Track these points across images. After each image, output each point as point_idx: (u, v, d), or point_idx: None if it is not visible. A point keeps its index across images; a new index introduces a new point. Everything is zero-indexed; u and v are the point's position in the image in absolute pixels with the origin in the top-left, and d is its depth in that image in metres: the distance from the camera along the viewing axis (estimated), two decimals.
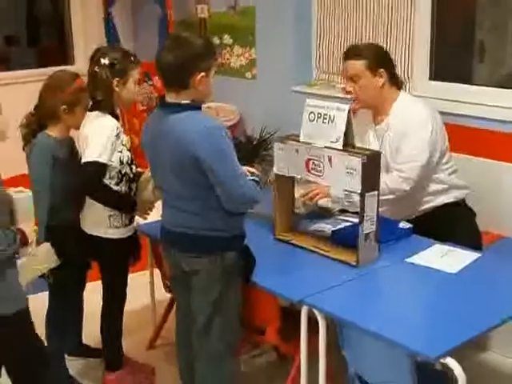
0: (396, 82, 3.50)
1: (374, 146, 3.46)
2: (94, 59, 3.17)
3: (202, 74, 2.67)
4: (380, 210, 3.14)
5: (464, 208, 3.56)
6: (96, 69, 3.14)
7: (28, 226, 2.71)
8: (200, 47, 2.68)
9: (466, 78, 4.32)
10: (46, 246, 3.07)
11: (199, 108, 2.73)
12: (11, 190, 2.74)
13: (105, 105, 3.15)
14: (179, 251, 2.83)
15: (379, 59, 3.44)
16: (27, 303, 2.72)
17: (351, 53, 3.47)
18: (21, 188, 2.79)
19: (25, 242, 2.66)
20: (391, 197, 3.30)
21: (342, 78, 3.68)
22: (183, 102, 2.69)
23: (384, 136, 3.46)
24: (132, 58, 3.20)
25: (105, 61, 3.12)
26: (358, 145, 3.08)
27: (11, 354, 2.73)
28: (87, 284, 3.54)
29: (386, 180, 3.27)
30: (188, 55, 2.65)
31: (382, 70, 3.41)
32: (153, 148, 2.81)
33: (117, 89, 3.15)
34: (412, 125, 3.35)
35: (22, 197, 2.74)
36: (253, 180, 2.83)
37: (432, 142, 3.35)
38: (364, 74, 3.39)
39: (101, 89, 3.14)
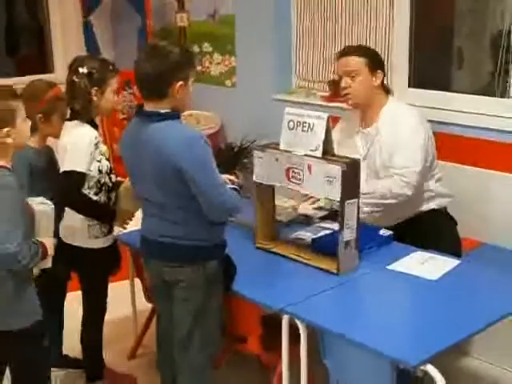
0: (386, 89, 3.55)
1: (360, 150, 3.49)
2: (72, 68, 3.15)
3: (181, 83, 2.66)
4: (375, 214, 3.25)
5: (446, 216, 3.58)
6: (74, 78, 3.12)
7: (49, 239, 2.69)
8: (178, 56, 2.66)
9: (444, 85, 4.34)
10: None
11: (178, 117, 2.72)
12: (33, 201, 2.71)
13: (83, 114, 3.14)
14: (160, 261, 2.81)
15: (378, 60, 3.52)
16: (42, 316, 2.72)
17: (351, 50, 3.55)
18: (41, 199, 2.76)
19: (45, 256, 2.64)
20: (393, 201, 3.34)
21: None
22: (162, 111, 2.67)
23: (374, 141, 3.47)
24: (110, 67, 3.19)
25: (83, 70, 3.11)
26: (343, 149, 3.11)
27: (21, 365, 2.72)
28: (67, 294, 3.51)
29: (388, 185, 3.32)
30: (166, 65, 2.63)
31: (379, 71, 3.47)
32: (132, 157, 2.79)
33: (95, 98, 3.14)
34: (405, 130, 3.37)
35: (44, 209, 2.71)
36: (233, 189, 2.83)
37: (426, 148, 3.38)
38: (363, 70, 3.44)
39: (79, 98, 3.12)
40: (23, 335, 2.63)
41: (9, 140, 2.55)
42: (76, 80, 3.12)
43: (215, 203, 2.67)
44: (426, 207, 3.52)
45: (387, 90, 3.56)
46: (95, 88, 3.12)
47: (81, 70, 3.11)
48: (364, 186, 3.26)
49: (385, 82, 3.58)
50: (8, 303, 2.61)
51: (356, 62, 3.45)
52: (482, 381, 3.48)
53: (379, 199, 3.30)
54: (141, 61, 2.67)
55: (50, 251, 2.67)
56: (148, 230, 2.85)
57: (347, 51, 3.54)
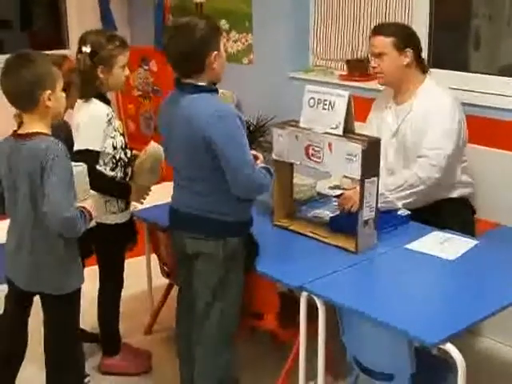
0: (422, 66, 3.49)
1: (391, 125, 3.49)
2: (79, 46, 3.13)
3: (215, 52, 2.68)
4: (405, 201, 3.26)
5: (465, 204, 3.55)
6: (79, 56, 3.12)
7: (88, 200, 2.75)
8: (204, 28, 2.66)
9: (463, 66, 4.32)
10: None
11: (215, 91, 2.74)
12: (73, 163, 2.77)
13: (84, 90, 3.12)
14: (184, 232, 2.81)
15: (407, 38, 3.44)
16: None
17: (380, 29, 3.48)
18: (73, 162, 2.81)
19: (91, 219, 2.73)
20: (424, 187, 3.29)
21: (369, 55, 3.59)
22: (199, 83, 2.69)
23: (406, 118, 3.44)
24: (117, 43, 3.14)
25: (86, 48, 3.09)
26: (374, 122, 3.18)
27: (67, 327, 2.82)
28: (84, 269, 3.52)
29: (414, 172, 3.28)
30: (196, 40, 2.64)
31: (408, 49, 3.40)
32: (167, 128, 2.80)
33: (101, 75, 3.11)
34: (439, 112, 3.34)
35: (80, 170, 2.74)
36: (265, 167, 2.82)
37: (458, 132, 3.35)
38: (390, 51, 3.39)
39: (81, 75, 3.11)
40: (73, 296, 2.77)
41: (49, 103, 2.60)
42: (79, 58, 3.11)
43: (242, 179, 2.67)
44: (446, 196, 3.48)
45: (423, 68, 3.48)
46: (101, 66, 3.09)
47: (84, 48, 3.09)
48: (392, 181, 3.30)
49: (422, 58, 3.50)
50: (64, 267, 2.73)
51: (382, 42, 3.40)
52: (495, 361, 3.49)
53: (410, 189, 3.27)
54: (169, 42, 2.69)
55: (94, 213, 2.74)
56: (176, 201, 2.87)
57: (377, 30, 3.48)
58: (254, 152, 2.91)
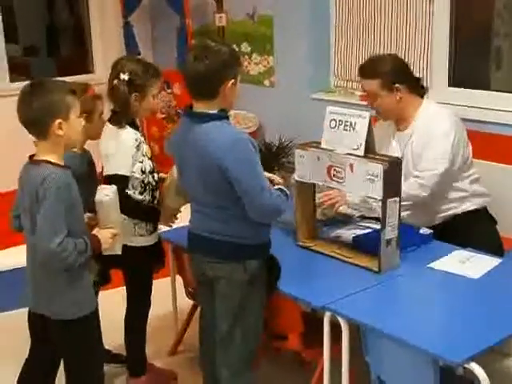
0: (417, 90, 3.48)
1: (396, 152, 3.47)
2: (115, 71, 3.17)
3: (232, 81, 2.68)
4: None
5: (485, 216, 3.55)
6: (115, 82, 3.15)
7: (105, 230, 2.76)
8: (228, 55, 2.68)
9: (484, 84, 4.33)
10: None
11: (226, 118, 2.72)
12: (101, 189, 2.81)
13: (121, 117, 3.16)
14: (204, 256, 2.84)
15: (394, 75, 3.38)
16: (96, 305, 2.81)
17: (365, 70, 3.45)
18: (105, 187, 2.83)
19: (97, 249, 2.70)
20: (408, 203, 3.30)
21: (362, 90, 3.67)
22: (211, 111, 2.69)
23: (407, 142, 3.46)
24: (152, 72, 3.18)
25: (124, 76, 3.12)
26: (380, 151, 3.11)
27: (75, 353, 2.77)
28: (110, 290, 3.55)
29: (404, 186, 3.26)
30: (218, 64, 2.64)
31: (397, 85, 3.37)
32: (180, 156, 2.83)
33: (135, 103, 3.16)
34: (435, 133, 3.35)
35: (99, 199, 2.76)
36: (279, 189, 2.83)
37: (453, 152, 3.35)
38: (380, 92, 3.39)
39: (118, 102, 3.16)
40: (80, 324, 2.70)
41: (60, 132, 2.57)
42: (116, 85, 3.15)
43: (258, 205, 2.67)
44: (461, 208, 3.49)
45: (419, 92, 3.47)
46: (135, 94, 3.14)
47: (122, 76, 3.13)
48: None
49: (418, 83, 3.50)
50: (61, 293, 2.67)
51: (371, 85, 3.40)
52: None
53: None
54: (191, 61, 2.66)
55: (105, 243, 2.72)
56: (193, 225, 2.89)
57: (362, 72, 3.46)
58: (270, 175, 2.91)
